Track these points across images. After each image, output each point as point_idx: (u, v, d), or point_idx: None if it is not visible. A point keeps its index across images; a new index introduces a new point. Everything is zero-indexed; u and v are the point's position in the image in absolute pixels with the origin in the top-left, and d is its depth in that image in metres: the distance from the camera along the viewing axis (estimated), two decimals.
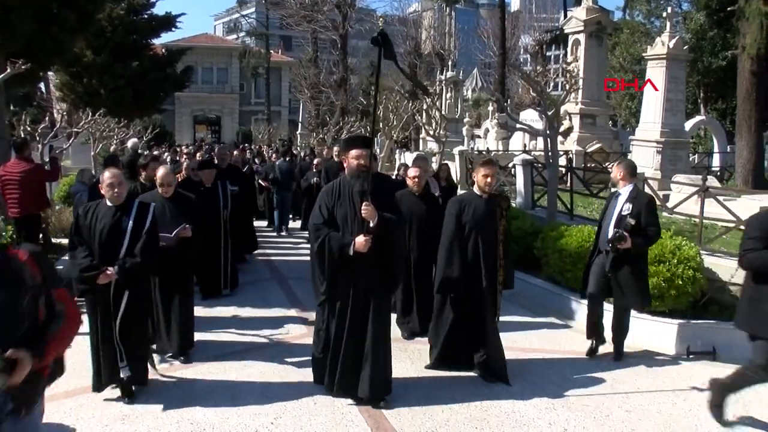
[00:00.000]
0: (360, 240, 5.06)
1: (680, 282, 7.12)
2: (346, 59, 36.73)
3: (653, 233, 6.36)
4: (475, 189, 6.07)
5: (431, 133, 16.97)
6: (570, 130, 19.27)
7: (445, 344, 6.04)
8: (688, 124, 18.91)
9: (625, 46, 31.80)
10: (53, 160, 9.66)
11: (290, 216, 15.31)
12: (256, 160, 18.38)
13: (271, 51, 56.34)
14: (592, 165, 17.60)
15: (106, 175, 5.38)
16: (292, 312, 8.28)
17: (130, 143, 14.72)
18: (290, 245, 13.27)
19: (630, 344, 7.20)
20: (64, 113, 16.50)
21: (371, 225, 5.09)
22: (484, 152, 17.80)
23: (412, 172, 7.50)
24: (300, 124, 40.43)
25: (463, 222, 5.88)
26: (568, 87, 11.60)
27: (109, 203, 5.36)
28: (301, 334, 7.33)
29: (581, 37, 19.23)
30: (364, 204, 5.07)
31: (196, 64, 48.56)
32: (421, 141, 28.54)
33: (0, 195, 8.56)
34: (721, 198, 9.25)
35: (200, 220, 6.82)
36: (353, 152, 5.35)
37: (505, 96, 32.53)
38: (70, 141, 14.22)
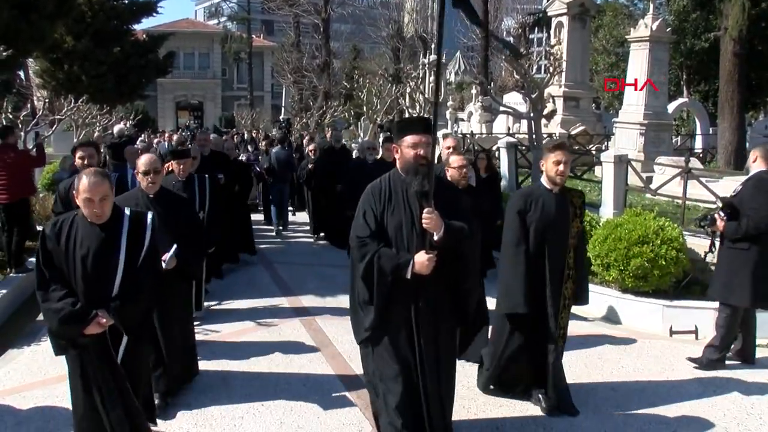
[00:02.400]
0: (421, 258, 3.80)
1: (663, 262, 7.23)
2: (328, 43, 36.57)
3: (749, 218, 5.57)
4: (543, 181, 4.87)
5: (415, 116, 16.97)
6: (553, 112, 19.31)
7: (503, 369, 5.07)
8: (671, 107, 19.07)
9: (608, 29, 31.87)
10: (39, 146, 9.66)
11: (290, 210, 13.75)
12: (249, 147, 16.84)
13: (253, 36, 55.85)
14: (576, 147, 17.71)
15: (85, 183, 3.72)
16: (280, 296, 8.30)
17: (116, 129, 14.61)
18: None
19: (615, 323, 7.34)
20: (46, 100, 16.32)
21: (435, 237, 3.83)
22: (468, 135, 17.82)
23: (457, 161, 5.81)
24: (283, 109, 40.22)
25: (528, 222, 4.78)
26: (552, 70, 11.65)
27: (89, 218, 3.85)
28: (288, 318, 7.37)
29: (564, 19, 19.26)
30: (425, 210, 3.78)
31: (178, 49, 47.87)
32: None
33: None
34: (703, 179, 9.37)
35: (198, 228, 5.44)
36: (409, 139, 3.96)
37: (488, 79, 32.54)
38: (53, 128, 14.07)
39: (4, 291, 7.61)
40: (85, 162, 6.18)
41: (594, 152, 16.53)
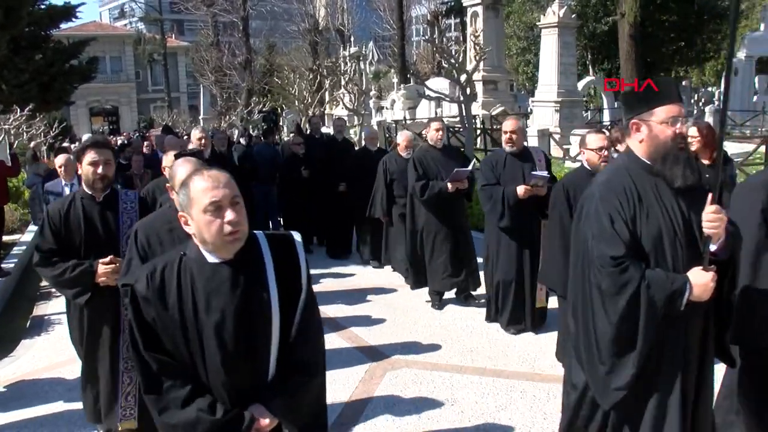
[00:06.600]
0: (701, 278, 2.61)
1: None
2: (249, 41, 36.97)
3: None
4: None
5: (350, 106, 17.97)
6: (474, 96, 20.76)
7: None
8: (580, 85, 20.84)
9: (518, 15, 33.66)
10: (14, 157, 10.09)
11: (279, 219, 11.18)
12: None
13: (166, 36, 55.30)
14: (498, 127, 19.12)
15: (202, 183, 2.17)
16: None
17: (85, 137, 15.00)
18: None
19: None
20: None
21: (713, 248, 2.67)
22: (401, 123, 18.97)
23: (598, 140, 4.67)
24: (202, 109, 40.33)
25: None
26: (477, 58, 12.88)
27: (210, 257, 2.22)
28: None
29: (479, 9, 20.65)
30: (710, 210, 2.60)
31: (88, 53, 47.19)
32: (326, 117, 29.34)
33: None
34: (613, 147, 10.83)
35: None
36: (662, 112, 2.71)
37: (405, 67, 33.90)
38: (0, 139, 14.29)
39: None
40: (99, 170, 4.07)
41: None
